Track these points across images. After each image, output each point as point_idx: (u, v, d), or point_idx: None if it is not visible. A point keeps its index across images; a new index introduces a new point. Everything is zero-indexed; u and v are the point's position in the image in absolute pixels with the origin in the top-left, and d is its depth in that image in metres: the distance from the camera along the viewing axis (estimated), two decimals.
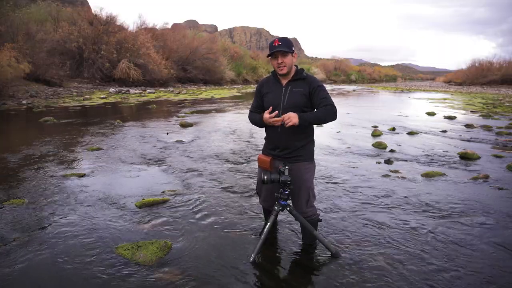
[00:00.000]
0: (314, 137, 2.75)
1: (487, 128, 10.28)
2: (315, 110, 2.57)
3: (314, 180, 2.79)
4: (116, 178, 4.73)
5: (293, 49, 2.54)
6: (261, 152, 2.84)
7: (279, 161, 2.66)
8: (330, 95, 2.60)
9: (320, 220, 2.86)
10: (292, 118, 2.38)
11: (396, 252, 2.83)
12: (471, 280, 2.47)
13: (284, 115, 2.40)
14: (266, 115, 2.50)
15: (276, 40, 2.53)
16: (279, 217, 3.31)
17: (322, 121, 2.51)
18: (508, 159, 6.18)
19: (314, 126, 2.71)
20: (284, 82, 2.62)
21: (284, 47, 2.48)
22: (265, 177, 2.51)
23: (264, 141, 2.82)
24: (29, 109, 13.07)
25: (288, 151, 2.62)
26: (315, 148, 2.76)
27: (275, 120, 2.47)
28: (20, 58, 18.19)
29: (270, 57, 2.58)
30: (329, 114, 2.48)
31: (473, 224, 3.42)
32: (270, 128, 2.68)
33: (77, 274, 2.43)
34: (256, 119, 2.68)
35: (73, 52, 27.65)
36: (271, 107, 2.53)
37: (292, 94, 2.56)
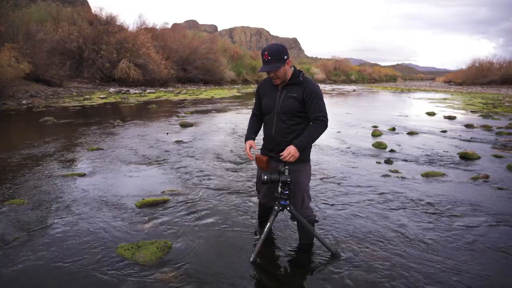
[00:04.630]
0: None
1: (487, 128, 10.29)
2: (309, 125, 2.58)
3: (313, 180, 2.79)
4: (116, 178, 4.73)
5: (285, 57, 2.47)
6: (259, 151, 2.86)
7: (276, 162, 2.67)
8: (323, 96, 2.61)
9: (317, 221, 2.87)
10: (292, 155, 2.44)
11: (396, 252, 2.83)
12: (471, 280, 2.47)
13: (284, 155, 2.46)
14: (248, 146, 2.70)
15: (266, 54, 2.45)
16: (279, 217, 3.31)
17: (316, 139, 2.56)
18: (508, 159, 6.18)
19: None
20: (280, 86, 2.62)
21: (274, 64, 2.44)
22: (265, 177, 2.51)
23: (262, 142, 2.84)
24: (29, 109, 13.06)
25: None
26: (315, 148, 2.78)
27: (249, 155, 2.67)
28: (20, 58, 18.16)
29: None
30: (321, 131, 2.52)
31: (473, 224, 3.42)
32: (266, 131, 2.72)
33: (77, 274, 2.43)
34: (246, 133, 2.82)
35: (73, 52, 27.61)
36: (250, 146, 2.70)
37: (286, 99, 2.56)
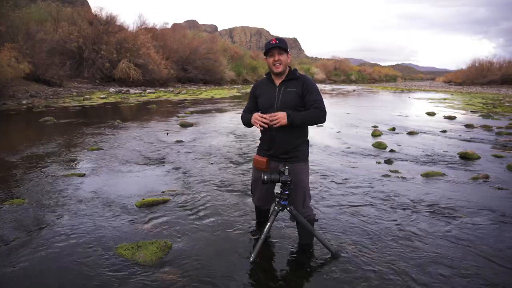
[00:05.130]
0: (314, 137, 2.75)
1: (487, 128, 10.28)
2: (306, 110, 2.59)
3: (313, 180, 2.79)
4: (116, 178, 4.73)
5: (288, 50, 2.61)
6: (256, 152, 2.85)
7: (275, 162, 2.67)
8: (323, 96, 2.63)
9: (317, 220, 2.87)
10: (280, 118, 2.43)
11: (396, 252, 2.83)
12: (471, 280, 2.47)
13: (272, 115, 2.44)
14: (256, 114, 2.52)
15: (274, 39, 2.60)
16: (279, 217, 3.31)
17: (311, 122, 2.57)
18: (508, 159, 6.18)
19: (313, 126, 2.73)
20: (278, 82, 2.65)
21: (281, 45, 2.55)
22: (265, 177, 2.51)
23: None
24: (29, 109, 13.06)
25: (283, 151, 2.63)
26: (315, 148, 2.78)
27: (262, 122, 2.45)
28: (20, 58, 18.16)
29: (266, 56, 2.63)
30: (318, 116, 2.53)
31: (473, 224, 3.42)
32: (265, 128, 2.69)
33: (77, 274, 2.43)
34: (247, 117, 2.68)
35: (73, 52, 27.62)
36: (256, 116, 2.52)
37: (286, 93, 2.60)
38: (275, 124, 2.44)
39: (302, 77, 2.66)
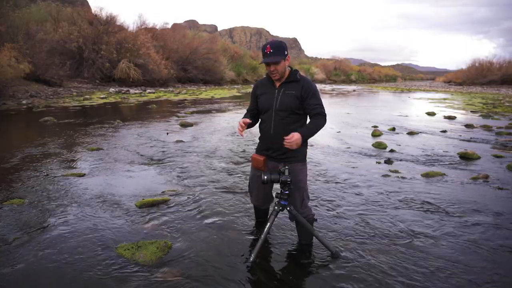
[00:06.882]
0: (314, 137, 2.76)
1: (487, 128, 10.29)
2: (308, 119, 2.62)
3: (313, 180, 2.79)
4: (116, 178, 4.73)
5: (285, 53, 2.53)
6: (255, 151, 2.86)
7: (273, 162, 2.68)
8: (323, 97, 2.64)
9: (316, 220, 2.88)
10: (295, 140, 2.37)
11: (396, 252, 2.84)
12: (470, 280, 2.47)
13: (288, 138, 2.38)
14: (241, 121, 2.61)
15: (268, 47, 2.50)
16: (279, 217, 3.31)
17: (316, 132, 2.57)
18: (508, 159, 6.18)
19: None
20: (277, 84, 2.65)
21: (275, 56, 2.48)
22: (265, 177, 2.51)
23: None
24: (29, 109, 13.06)
25: (281, 152, 2.63)
26: (315, 148, 2.78)
27: (239, 128, 2.61)
28: (20, 58, 18.15)
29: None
30: (321, 125, 2.55)
31: (472, 224, 3.42)
32: (263, 129, 2.72)
33: (77, 274, 2.43)
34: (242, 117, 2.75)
35: (73, 52, 27.60)
36: (243, 122, 2.62)
37: (285, 96, 2.59)
38: (293, 147, 2.40)
39: (302, 79, 2.62)
